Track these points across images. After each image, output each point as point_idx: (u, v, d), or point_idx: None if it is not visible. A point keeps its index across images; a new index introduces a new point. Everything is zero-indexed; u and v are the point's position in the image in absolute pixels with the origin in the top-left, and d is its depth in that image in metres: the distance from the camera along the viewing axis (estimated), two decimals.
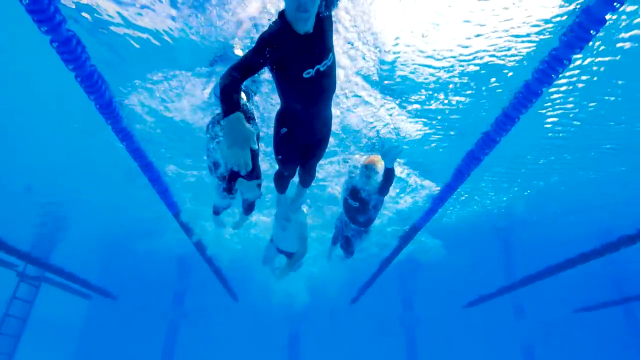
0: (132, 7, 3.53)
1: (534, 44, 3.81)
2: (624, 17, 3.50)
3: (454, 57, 4.09)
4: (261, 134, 4.90)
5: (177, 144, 5.88)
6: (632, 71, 4.18)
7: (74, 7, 3.42)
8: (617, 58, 3.96)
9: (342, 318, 21.17)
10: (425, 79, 4.40)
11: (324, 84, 2.57)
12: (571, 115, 4.97)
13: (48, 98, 5.13)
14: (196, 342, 22.54)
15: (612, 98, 4.65)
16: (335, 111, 4.69)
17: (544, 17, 3.54)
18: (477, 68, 4.21)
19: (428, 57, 4.11)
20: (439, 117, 5.06)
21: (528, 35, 3.74)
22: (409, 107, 4.86)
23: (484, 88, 4.50)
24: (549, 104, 4.77)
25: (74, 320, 20.35)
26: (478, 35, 3.82)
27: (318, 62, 2.41)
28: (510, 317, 18.66)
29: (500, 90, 4.48)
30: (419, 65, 4.22)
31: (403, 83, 4.46)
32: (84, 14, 3.51)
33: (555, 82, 3.40)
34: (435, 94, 4.64)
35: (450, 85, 4.50)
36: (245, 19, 3.61)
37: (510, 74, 4.23)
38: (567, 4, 3.36)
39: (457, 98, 4.71)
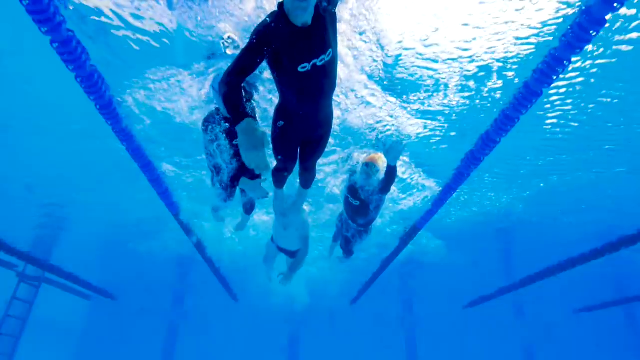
0: (128, 8, 3.54)
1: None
2: (621, 20, 3.53)
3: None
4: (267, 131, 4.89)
5: (176, 143, 5.88)
6: (630, 73, 4.21)
7: (71, 8, 3.44)
8: (614, 60, 3.98)
9: (342, 318, 21.14)
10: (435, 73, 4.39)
11: (321, 80, 2.52)
12: (570, 117, 5.00)
13: (48, 99, 5.14)
14: (196, 343, 22.53)
15: (609, 100, 4.68)
16: (336, 111, 4.68)
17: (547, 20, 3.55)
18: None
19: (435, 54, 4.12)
20: (440, 117, 5.05)
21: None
22: (411, 107, 4.86)
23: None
24: (549, 105, 4.79)
25: (74, 320, 20.34)
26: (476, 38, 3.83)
27: (315, 56, 2.36)
28: (510, 318, 18.66)
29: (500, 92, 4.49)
30: (422, 62, 4.23)
31: (405, 81, 4.46)
32: (84, 15, 3.53)
33: (555, 84, 3.41)
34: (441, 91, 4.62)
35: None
36: (242, 16, 3.62)
37: (515, 78, 4.23)
38: (565, 7, 3.37)
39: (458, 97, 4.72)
